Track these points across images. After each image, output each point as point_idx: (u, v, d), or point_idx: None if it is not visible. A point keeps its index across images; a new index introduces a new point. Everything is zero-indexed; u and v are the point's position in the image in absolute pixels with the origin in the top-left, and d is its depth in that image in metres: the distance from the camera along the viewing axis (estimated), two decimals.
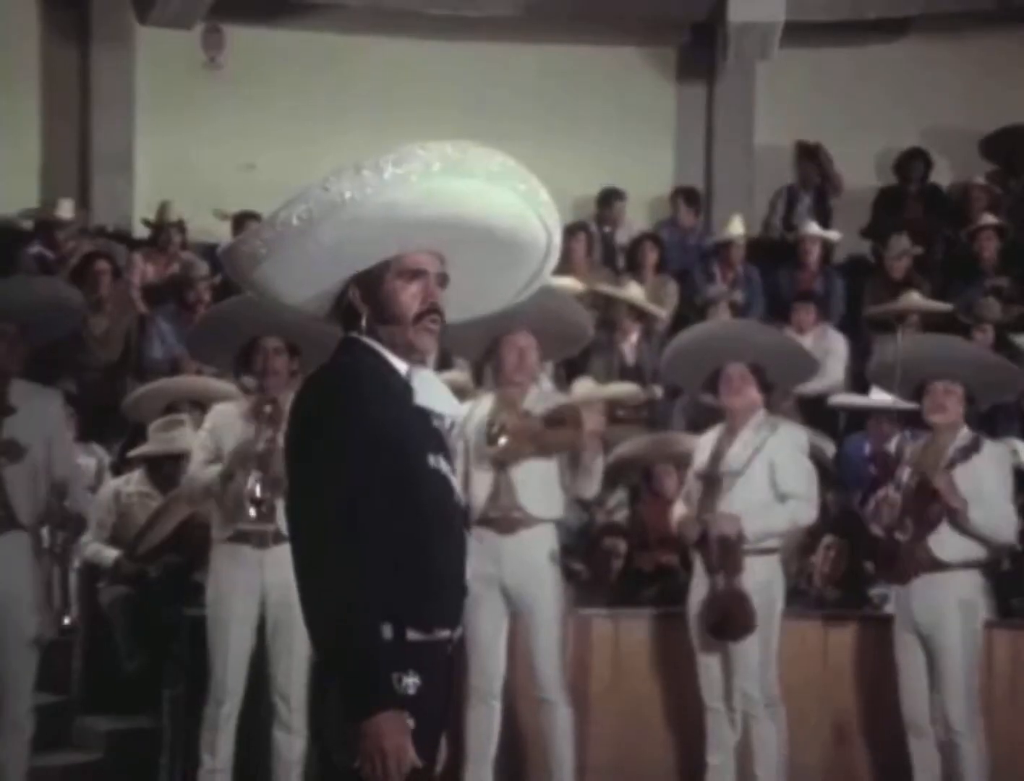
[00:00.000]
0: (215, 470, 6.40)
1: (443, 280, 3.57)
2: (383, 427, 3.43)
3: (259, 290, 3.63)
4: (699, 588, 6.83)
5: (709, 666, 6.85)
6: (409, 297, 3.53)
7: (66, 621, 6.69)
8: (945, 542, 6.60)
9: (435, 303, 3.54)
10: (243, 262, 3.55)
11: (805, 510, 6.85)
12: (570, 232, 10.63)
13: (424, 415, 3.56)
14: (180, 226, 11.40)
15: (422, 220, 3.46)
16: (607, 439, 8.71)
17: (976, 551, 6.65)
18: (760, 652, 6.72)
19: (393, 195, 3.41)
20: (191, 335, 7.13)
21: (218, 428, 6.51)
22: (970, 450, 6.63)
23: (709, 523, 6.70)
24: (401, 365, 3.56)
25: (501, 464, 6.62)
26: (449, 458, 3.61)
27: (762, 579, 6.74)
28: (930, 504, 6.58)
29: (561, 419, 6.66)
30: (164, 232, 11.35)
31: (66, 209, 11.27)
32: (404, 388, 3.53)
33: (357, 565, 3.34)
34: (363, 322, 3.55)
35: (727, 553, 6.67)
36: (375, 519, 3.39)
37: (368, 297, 3.54)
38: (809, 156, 12.54)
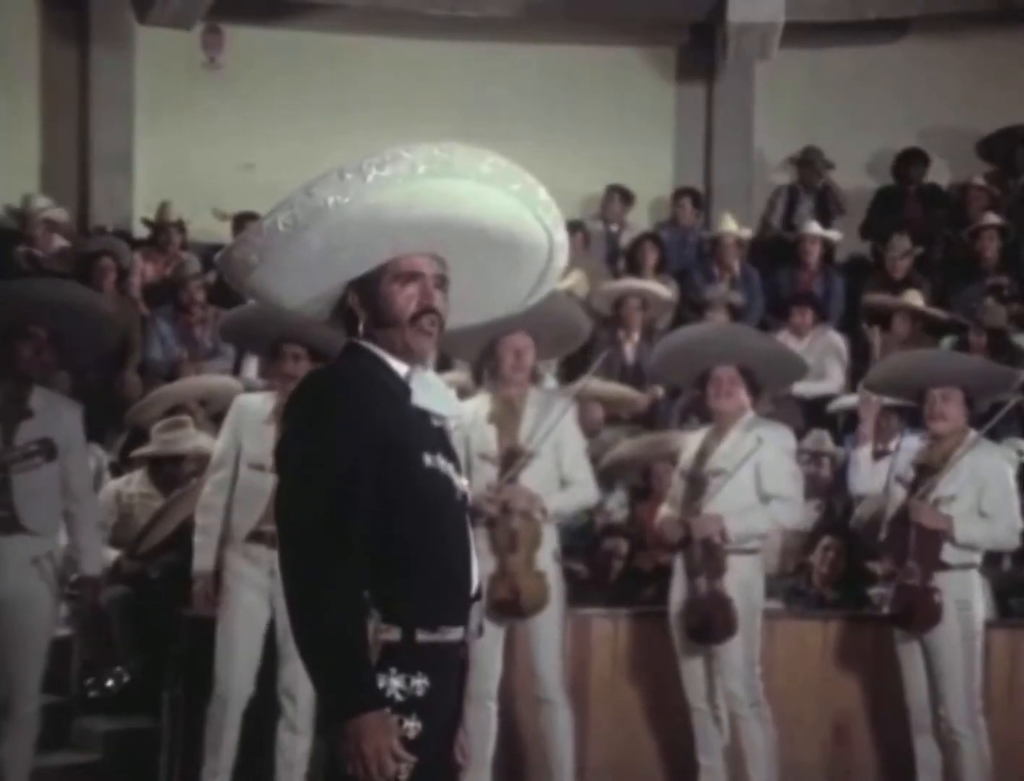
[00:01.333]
0: (206, 563, 6.42)
1: (442, 282, 3.56)
2: (375, 427, 3.43)
3: (256, 295, 3.64)
4: (679, 589, 6.83)
5: (692, 667, 6.85)
6: (405, 299, 3.52)
7: (109, 683, 6.67)
8: (944, 546, 6.61)
9: (431, 304, 3.53)
10: (237, 269, 3.55)
11: (787, 511, 6.85)
12: (568, 231, 10.61)
13: (424, 415, 3.55)
14: (180, 226, 11.40)
15: (409, 223, 3.45)
16: (604, 441, 8.75)
17: (974, 554, 6.66)
18: (744, 652, 6.71)
19: (377, 198, 3.40)
20: (227, 325, 7.14)
21: (239, 423, 6.51)
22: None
23: (692, 525, 6.70)
24: (401, 367, 3.55)
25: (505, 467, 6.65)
26: (452, 457, 3.60)
27: (743, 579, 6.73)
28: (921, 538, 6.58)
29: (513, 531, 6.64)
30: (164, 232, 11.35)
31: (39, 201, 11.26)
32: (402, 389, 3.53)
33: (340, 565, 3.34)
34: (360, 326, 3.55)
35: (709, 556, 6.67)
36: (366, 519, 3.39)
37: (366, 301, 3.55)
38: (807, 166, 12.54)
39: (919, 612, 6.57)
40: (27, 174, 12.02)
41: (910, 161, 12.40)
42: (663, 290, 10.52)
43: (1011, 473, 6.78)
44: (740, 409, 6.84)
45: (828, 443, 9.04)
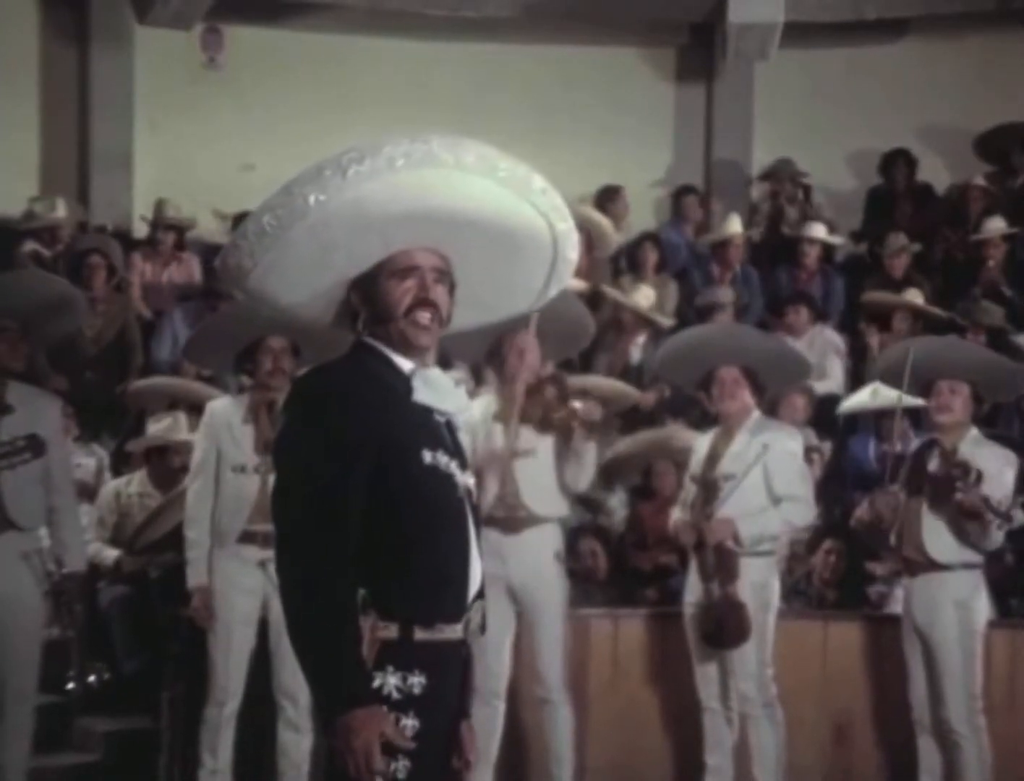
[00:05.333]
0: (200, 578, 6.41)
1: (442, 276, 3.54)
2: (374, 424, 3.43)
3: (257, 299, 3.62)
4: (694, 588, 6.84)
5: (706, 667, 6.86)
6: (401, 293, 3.52)
7: (91, 678, 6.67)
8: (942, 544, 6.61)
9: (427, 296, 3.51)
10: (234, 275, 3.54)
11: (800, 511, 6.86)
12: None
13: (426, 412, 3.55)
14: (175, 225, 11.35)
15: (395, 216, 3.44)
16: (599, 433, 8.73)
17: (974, 553, 6.65)
18: (757, 653, 6.73)
19: (358, 193, 3.39)
20: (192, 341, 7.12)
21: (215, 428, 6.51)
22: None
23: (704, 530, 6.70)
24: (406, 364, 3.55)
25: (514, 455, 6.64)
26: (455, 453, 3.59)
27: (758, 580, 6.75)
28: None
29: (553, 405, 6.68)
30: (158, 231, 11.33)
31: (61, 208, 11.25)
32: (405, 386, 3.52)
33: (334, 561, 3.35)
34: (359, 324, 3.55)
35: (722, 561, 6.68)
36: (363, 516, 3.40)
37: (366, 299, 3.54)
38: (779, 179, 12.52)
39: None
40: (27, 174, 12.01)
41: (894, 161, 12.40)
42: (654, 314, 10.43)
43: (1011, 467, 6.75)
44: (745, 410, 6.85)
45: (813, 439, 9.02)
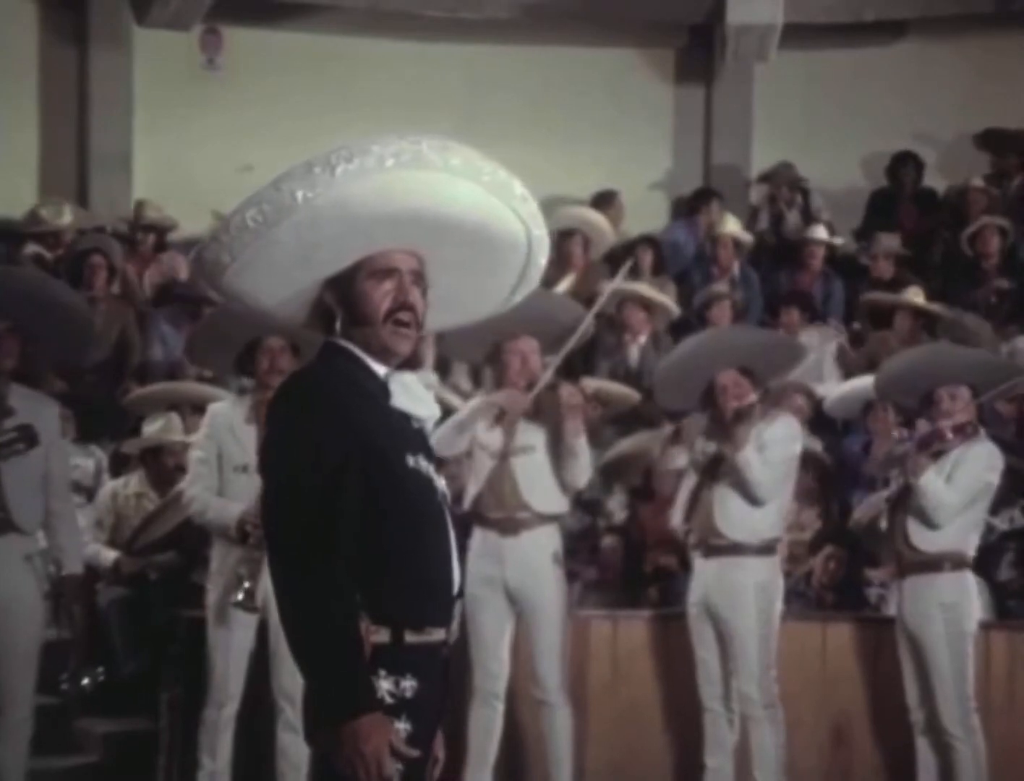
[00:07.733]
0: (234, 512, 6.35)
1: (418, 279, 3.53)
2: (358, 429, 3.42)
3: (232, 297, 3.59)
4: (698, 588, 6.85)
5: (708, 666, 6.86)
6: (380, 296, 3.50)
7: (85, 681, 6.66)
8: (926, 535, 6.62)
9: (407, 299, 3.50)
10: (210, 270, 3.51)
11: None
12: (567, 234, 10.69)
13: (404, 416, 3.54)
14: (154, 225, 11.34)
15: (380, 216, 3.43)
16: (597, 430, 8.75)
17: (960, 543, 6.64)
18: (761, 654, 6.73)
19: (346, 192, 3.39)
20: (192, 339, 7.13)
21: (216, 430, 6.51)
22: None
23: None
24: (380, 368, 3.54)
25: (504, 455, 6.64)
26: (431, 457, 3.59)
27: (762, 579, 6.75)
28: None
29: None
30: (140, 232, 11.32)
31: (67, 214, 11.23)
32: (381, 390, 3.51)
33: (330, 567, 3.33)
34: (337, 325, 3.53)
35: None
36: (350, 521, 3.39)
37: (342, 299, 3.52)
38: (778, 183, 12.50)
39: None
40: (26, 175, 12.02)
41: (903, 164, 12.40)
42: (660, 296, 10.48)
43: (993, 465, 6.75)
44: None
45: (813, 444, 8.96)
